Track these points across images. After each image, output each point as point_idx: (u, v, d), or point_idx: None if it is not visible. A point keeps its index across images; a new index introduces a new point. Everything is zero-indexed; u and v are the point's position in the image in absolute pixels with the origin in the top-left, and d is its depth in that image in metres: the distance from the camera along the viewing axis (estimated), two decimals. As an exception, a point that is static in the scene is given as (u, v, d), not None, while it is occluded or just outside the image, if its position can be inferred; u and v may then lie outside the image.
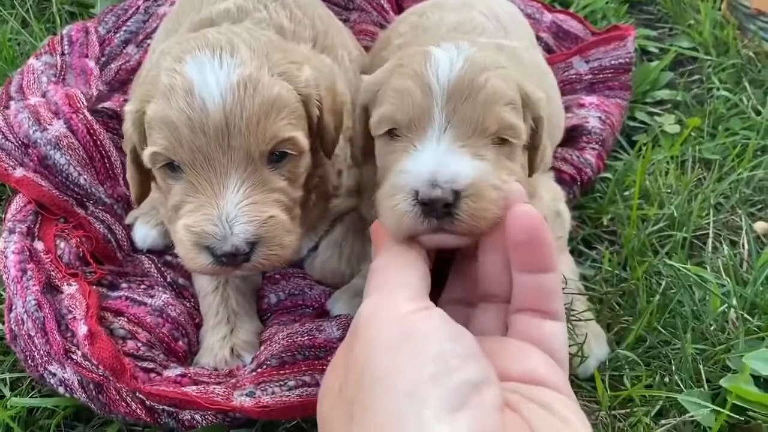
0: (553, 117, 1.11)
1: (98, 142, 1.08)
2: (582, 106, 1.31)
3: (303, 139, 0.81)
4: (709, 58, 1.52)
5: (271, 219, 0.76)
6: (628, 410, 0.92)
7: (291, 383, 0.85)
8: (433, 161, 0.70)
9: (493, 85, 0.74)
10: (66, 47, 1.26)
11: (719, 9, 1.67)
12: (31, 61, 1.22)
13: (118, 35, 1.34)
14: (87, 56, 1.26)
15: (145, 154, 0.80)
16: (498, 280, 0.70)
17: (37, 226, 1.02)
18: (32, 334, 0.88)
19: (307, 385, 0.85)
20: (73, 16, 1.53)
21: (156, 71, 0.81)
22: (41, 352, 0.88)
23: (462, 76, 0.73)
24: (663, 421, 0.89)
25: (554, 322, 0.67)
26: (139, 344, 0.90)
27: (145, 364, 0.88)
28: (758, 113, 1.41)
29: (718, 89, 1.46)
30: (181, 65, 0.78)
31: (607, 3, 1.61)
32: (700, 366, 0.96)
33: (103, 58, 1.29)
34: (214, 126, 0.75)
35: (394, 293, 0.62)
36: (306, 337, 0.91)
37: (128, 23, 1.35)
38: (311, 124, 0.86)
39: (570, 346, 0.96)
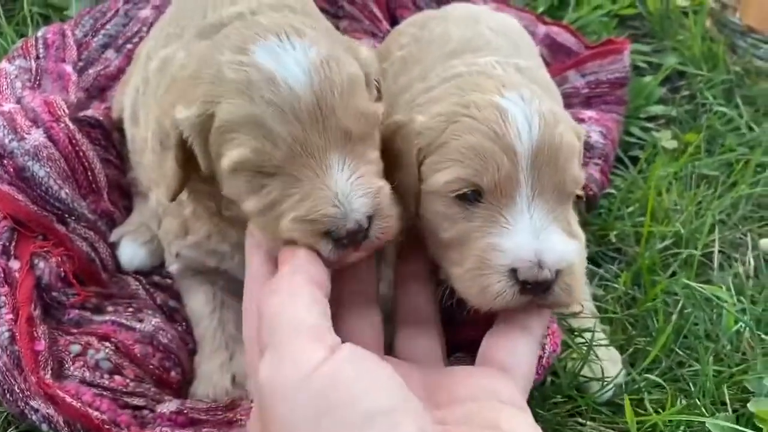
0: None
1: (80, 154, 1.00)
2: (581, 120, 1.28)
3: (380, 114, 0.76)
4: (700, 73, 1.52)
5: (381, 189, 0.70)
6: (651, 436, 0.88)
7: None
8: (534, 240, 0.68)
9: (567, 143, 0.72)
10: (41, 51, 1.17)
11: (705, 24, 1.67)
12: (3, 64, 1.13)
13: (96, 39, 1.25)
14: (64, 60, 1.18)
15: (227, 163, 0.70)
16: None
17: (13, 243, 0.94)
18: (8, 368, 0.80)
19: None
20: (46, 20, 1.43)
21: (214, 68, 0.72)
22: (21, 386, 0.80)
23: (542, 137, 0.70)
24: (693, 449, 0.85)
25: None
26: (128, 380, 0.83)
27: (135, 401, 0.80)
28: (752, 129, 1.41)
29: (711, 105, 1.45)
30: (248, 57, 0.70)
31: (597, 17, 1.59)
32: (724, 388, 0.93)
33: (81, 63, 1.21)
34: (307, 109, 0.68)
35: (291, 347, 0.57)
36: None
37: (107, 26, 1.27)
38: None
39: (586, 370, 0.93)
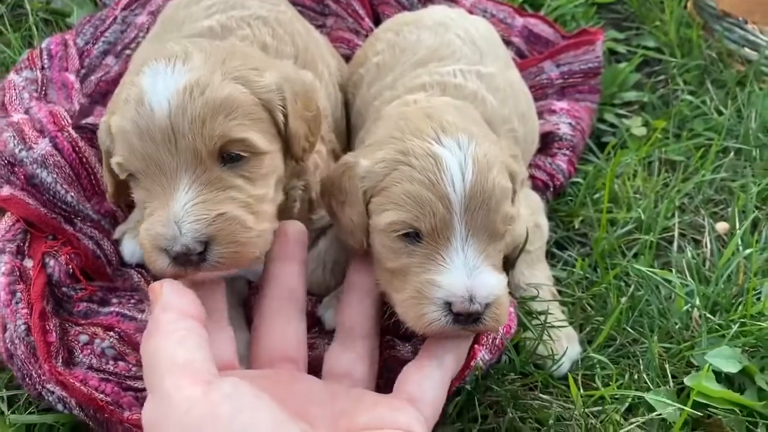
0: (529, 135, 1.16)
1: (83, 160, 1.10)
2: (553, 112, 1.35)
3: (260, 140, 0.82)
4: (673, 60, 1.58)
5: (220, 216, 0.77)
6: (600, 408, 0.98)
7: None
8: (466, 278, 0.79)
9: (499, 187, 0.81)
10: (46, 61, 1.26)
11: (685, 7, 1.72)
12: (12, 76, 1.23)
13: (96, 46, 1.34)
14: (67, 70, 1.27)
15: (113, 165, 0.84)
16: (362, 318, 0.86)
17: (27, 244, 1.05)
18: (26, 357, 0.91)
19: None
20: (48, 23, 1.53)
21: (122, 83, 0.86)
22: (38, 372, 0.91)
23: (474, 184, 0.79)
24: (632, 419, 0.95)
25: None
26: (130, 365, 0.94)
27: (137, 384, 0.92)
28: (720, 114, 1.47)
29: (682, 91, 1.52)
30: (138, 77, 0.81)
31: (575, 6, 1.65)
32: (666, 364, 1.02)
33: (83, 70, 1.30)
34: (160, 131, 0.77)
35: (167, 387, 0.61)
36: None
37: (106, 34, 1.36)
38: (279, 129, 0.87)
39: (543, 348, 1.02)
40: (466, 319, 0.79)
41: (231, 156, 0.80)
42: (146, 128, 0.77)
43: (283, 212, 0.97)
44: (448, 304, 0.78)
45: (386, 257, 0.84)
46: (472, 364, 0.88)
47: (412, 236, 0.81)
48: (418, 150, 0.81)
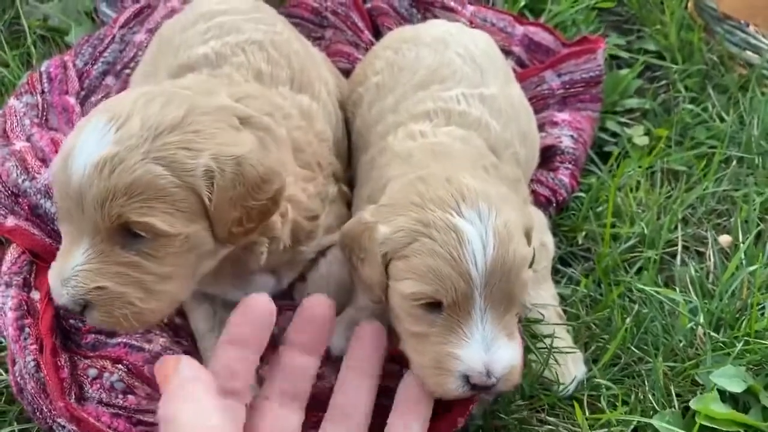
0: (530, 153, 1.15)
1: (87, 188, 1.10)
2: (555, 124, 1.35)
3: (165, 224, 0.79)
4: (673, 66, 1.57)
5: (97, 289, 0.79)
6: (607, 430, 0.99)
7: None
8: (484, 353, 0.81)
9: (519, 257, 0.82)
10: (45, 85, 1.26)
11: (686, 8, 1.71)
12: (12, 102, 1.22)
13: (95, 67, 1.34)
14: (67, 92, 1.27)
15: None
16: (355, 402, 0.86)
17: (33, 275, 1.05)
18: (36, 392, 0.93)
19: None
20: (45, 41, 1.52)
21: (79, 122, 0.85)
22: (48, 407, 0.92)
23: (495, 258, 0.80)
24: (639, 443, 0.96)
25: None
26: (140, 398, 0.94)
27: (147, 417, 0.93)
28: (722, 120, 1.47)
29: (684, 98, 1.51)
30: (81, 128, 0.82)
31: (576, 12, 1.63)
32: (671, 385, 1.03)
33: (83, 92, 1.30)
34: (74, 193, 0.79)
35: None
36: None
37: (105, 54, 1.35)
38: (208, 208, 0.84)
39: (551, 371, 1.03)
40: (483, 388, 0.82)
41: (135, 233, 0.80)
42: (65, 185, 0.79)
43: (250, 259, 0.95)
44: (467, 376, 0.81)
45: (405, 320, 0.85)
46: (477, 397, 0.90)
47: (433, 305, 0.82)
48: (439, 222, 0.81)
